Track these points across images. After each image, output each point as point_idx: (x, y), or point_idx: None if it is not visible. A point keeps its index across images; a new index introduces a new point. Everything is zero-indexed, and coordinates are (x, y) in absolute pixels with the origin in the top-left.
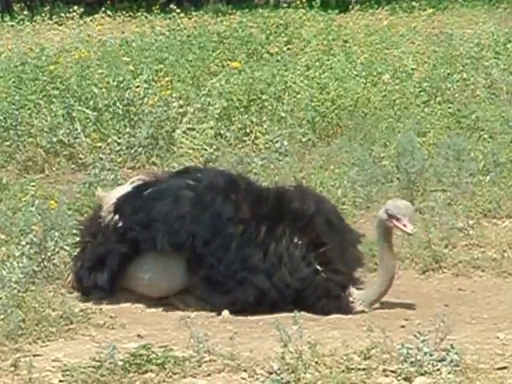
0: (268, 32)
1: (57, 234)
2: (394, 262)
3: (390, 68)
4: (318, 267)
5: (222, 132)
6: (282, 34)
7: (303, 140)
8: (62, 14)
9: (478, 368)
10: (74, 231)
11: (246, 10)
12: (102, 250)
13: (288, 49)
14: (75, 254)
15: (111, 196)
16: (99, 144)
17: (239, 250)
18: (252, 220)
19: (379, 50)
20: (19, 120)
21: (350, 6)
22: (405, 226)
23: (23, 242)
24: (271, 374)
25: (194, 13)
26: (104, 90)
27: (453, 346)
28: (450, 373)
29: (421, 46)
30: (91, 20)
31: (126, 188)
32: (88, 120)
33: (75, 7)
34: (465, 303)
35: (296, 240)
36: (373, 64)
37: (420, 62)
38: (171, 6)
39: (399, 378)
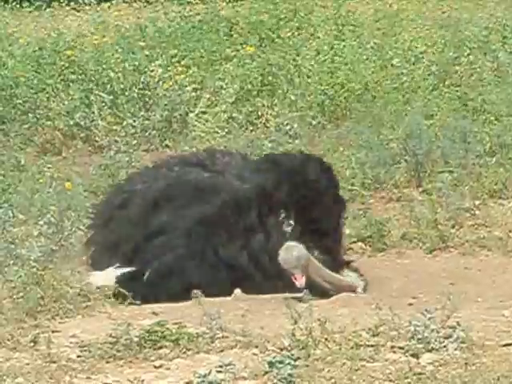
0: (279, 18)
1: (73, 214)
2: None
3: (399, 52)
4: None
5: (234, 115)
6: (293, 20)
7: (313, 123)
8: (80, 1)
9: (483, 345)
10: (90, 212)
11: None
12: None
13: (299, 34)
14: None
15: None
16: (115, 127)
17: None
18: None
19: (389, 34)
20: (37, 104)
21: None
22: (295, 279)
23: (41, 222)
24: (282, 350)
25: None
26: (120, 74)
27: (459, 323)
28: (456, 349)
29: (429, 30)
30: (108, 6)
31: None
32: (104, 104)
33: None
34: (471, 282)
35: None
36: (382, 48)
37: (429, 45)
38: None
39: (407, 354)
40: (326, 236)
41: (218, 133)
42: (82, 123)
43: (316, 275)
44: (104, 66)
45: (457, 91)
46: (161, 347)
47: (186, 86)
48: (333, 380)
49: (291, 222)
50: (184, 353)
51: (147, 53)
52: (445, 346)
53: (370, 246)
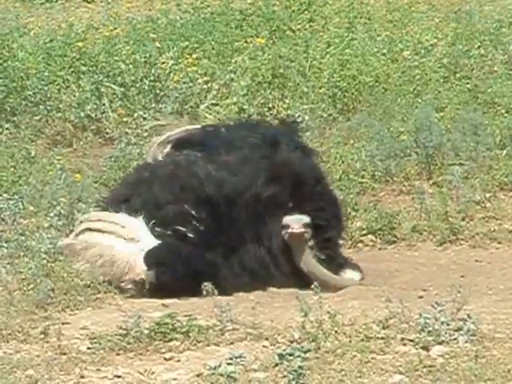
0: (291, 9)
1: (84, 206)
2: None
3: (410, 44)
4: None
5: (245, 107)
6: (305, 12)
7: (324, 115)
8: None
9: (494, 337)
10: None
11: None
12: None
13: (310, 26)
14: None
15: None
16: (125, 119)
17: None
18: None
19: (400, 26)
20: (48, 95)
21: None
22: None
23: (51, 214)
24: (292, 342)
25: None
26: (131, 66)
27: (469, 315)
28: (466, 342)
29: (441, 22)
30: None
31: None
32: (115, 95)
33: None
34: (481, 274)
35: None
36: (393, 41)
37: (439, 38)
38: None
39: (417, 346)
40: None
41: None
42: (93, 115)
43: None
44: (115, 58)
45: (467, 84)
46: (171, 339)
47: (197, 79)
48: (343, 372)
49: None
50: (194, 345)
51: (158, 45)
52: (455, 339)
53: (380, 238)
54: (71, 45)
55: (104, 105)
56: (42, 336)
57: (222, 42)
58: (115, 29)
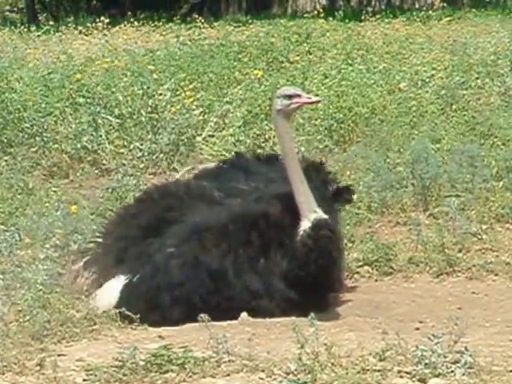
0: (288, 41)
1: (79, 237)
2: None
3: (406, 76)
4: None
5: (241, 139)
6: (303, 44)
7: (320, 146)
8: (89, 25)
9: (491, 370)
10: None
11: (266, 20)
12: None
13: (308, 58)
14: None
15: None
16: (122, 150)
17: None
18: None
19: (397, 58)
20: (45, 127)
21: (363, 17)
22: (309, 98)
23: (47, 245)
24: (288, 374)
25: (215, 23)
26: (128, 97)
27: (467, 348)
28: (463, 374)
29: (437, 54)
30: (117, 30)
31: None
32: (111, 127)
33: (102, 18)
34: (478, 306)
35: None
36: (390, 72)
37: (436, 70)
38: (194, 15)
39: (414, 379)
40: None
41: (225, 156)
42: (90, 146)
43: None
44: (113, 90)
45: (464, 115)
46: (167, 371)
47: (194, 110)
48: None
49: None
50: (190, 377)
51: (156, 76)
52: (452, 371)
53: (376, 269)
54: (69, 77)
55: (100, 136)
56: (38, 368)
57: (219, 73)
58: (113, 62)
